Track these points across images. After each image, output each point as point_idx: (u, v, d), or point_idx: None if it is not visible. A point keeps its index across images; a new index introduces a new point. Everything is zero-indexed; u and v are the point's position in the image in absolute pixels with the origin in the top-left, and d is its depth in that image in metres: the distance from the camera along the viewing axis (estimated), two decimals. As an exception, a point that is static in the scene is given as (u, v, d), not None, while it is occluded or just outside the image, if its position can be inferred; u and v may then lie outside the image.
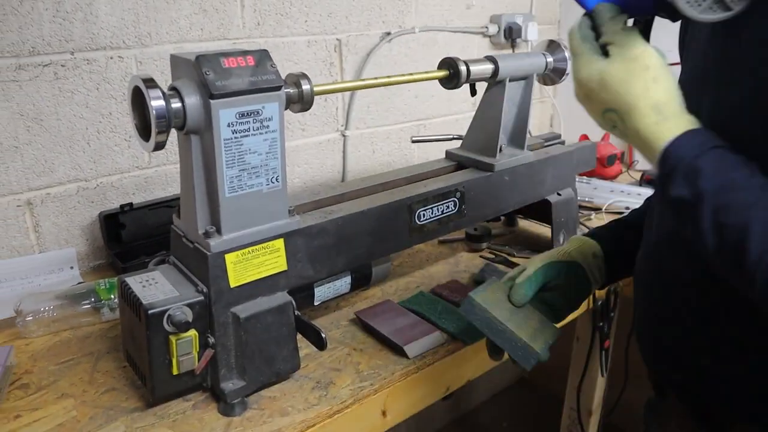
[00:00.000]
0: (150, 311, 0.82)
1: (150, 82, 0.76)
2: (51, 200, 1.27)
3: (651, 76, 0.62)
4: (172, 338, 0.83)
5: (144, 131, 0.80)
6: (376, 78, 1.01)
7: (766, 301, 0.56)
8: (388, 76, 1.02)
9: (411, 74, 1.05)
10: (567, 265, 0.92)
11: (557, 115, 2.26)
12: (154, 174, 1.39)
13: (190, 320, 0.84)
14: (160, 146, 0.78)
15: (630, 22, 0.68)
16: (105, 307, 1.12)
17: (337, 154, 1.70)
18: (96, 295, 1.12)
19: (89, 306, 1.12)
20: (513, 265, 1.31)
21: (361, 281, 1.08)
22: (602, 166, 1.84)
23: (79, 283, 1.24)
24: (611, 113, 0.64)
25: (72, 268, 1.31)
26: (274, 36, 1.48)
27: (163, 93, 0.77)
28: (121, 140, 1.32)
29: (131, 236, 1.33)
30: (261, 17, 1.45)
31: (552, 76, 1.30)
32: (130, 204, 1.32)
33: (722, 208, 0.57)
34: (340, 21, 1.60)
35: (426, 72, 1.08)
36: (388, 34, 1.70)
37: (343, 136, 1.69)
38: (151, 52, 1.31)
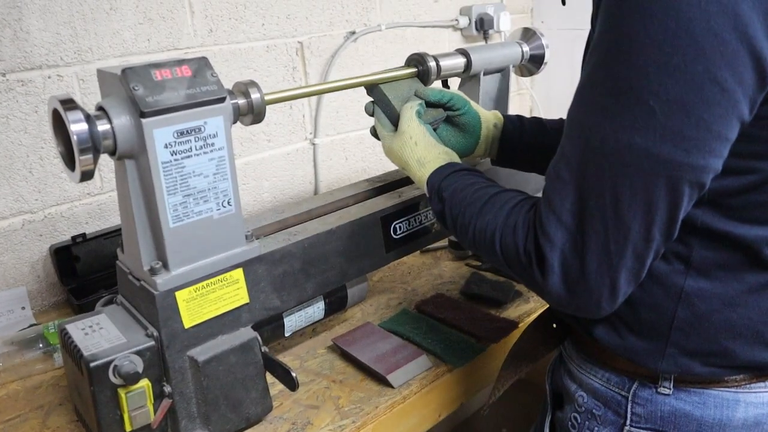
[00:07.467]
0: (92, 363, 0.71)
1: (69, 103, 0.65)
2: (-7, 237, 1.16)
3: (413, 142, 0.86)
4: (121, 391, 0.73)
5: (69, 159, 0.70)
6: (336, 81, 0.91)
7: (507, 264, 0.69)
8: (350, 78, 0.92)
9: (375, 74, 0.95)
10: (461, 100, 0.95)
11: (536, 106, 2.17)
12: (108, 200, 1.28)
13: (140, 370, 0.73)
14: (87, 176, 0.68)
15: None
16: (57, 352, 1.02)
17: (307, 164, 1.60)
18: (44, 339, 1.01)
19: (39, 352, 1.01)
20: (501, 272, 1.22)
21: (337, 305, 0.98)
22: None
23: (31, 325, 1.13)
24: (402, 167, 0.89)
25: (23, 308, 1.20)
26: (230, 42, 1.38)
27: (87, 115, 0.67)
28: (68, 166, 1.21)
29: (87, 269, 1.23)
30: (213, 23, 1.35)
31: (530, 66, 1.21)
32: (83, 234, 1.21)
33: (457, 211, 0.75)
34: (300, 22, 1.49)
35: (392, 70, 0.98)
36: (353, 33, 1.60)
37: (313, 144, 1.58)
38: (93, 69, 1.20)
